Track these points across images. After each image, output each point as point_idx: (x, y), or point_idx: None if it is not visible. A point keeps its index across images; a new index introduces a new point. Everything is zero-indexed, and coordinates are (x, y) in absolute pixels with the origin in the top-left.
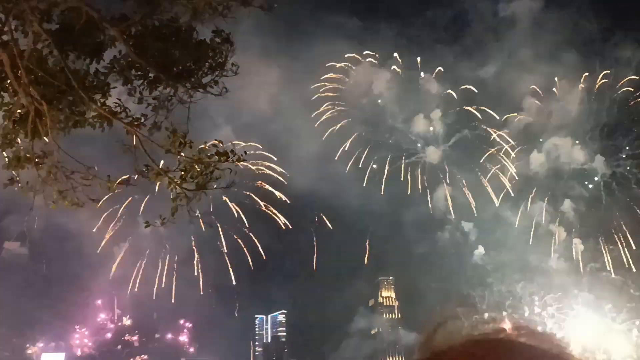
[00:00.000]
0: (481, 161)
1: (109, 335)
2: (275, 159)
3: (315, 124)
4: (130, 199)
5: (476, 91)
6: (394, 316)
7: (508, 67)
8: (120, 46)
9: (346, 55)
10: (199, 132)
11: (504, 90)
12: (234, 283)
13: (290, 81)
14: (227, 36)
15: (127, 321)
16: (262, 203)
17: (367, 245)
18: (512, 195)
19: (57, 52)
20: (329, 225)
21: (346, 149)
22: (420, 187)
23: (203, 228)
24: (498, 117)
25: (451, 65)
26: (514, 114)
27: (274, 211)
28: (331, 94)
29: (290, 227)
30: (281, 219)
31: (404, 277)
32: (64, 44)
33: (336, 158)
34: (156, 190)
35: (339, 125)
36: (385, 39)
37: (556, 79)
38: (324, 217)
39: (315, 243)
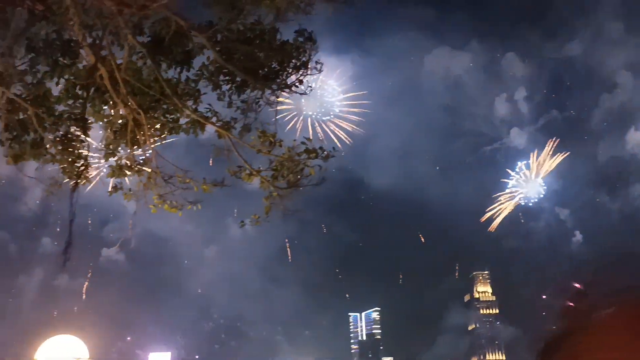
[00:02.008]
0: (572, 143)
1: (206, 335)
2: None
3: (394, 117)
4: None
5: (564, 69)
6: (491, 311)
7: (597, 42)
8: (208, 53)
9: (421, 45)
10: (281, 130)
11: (594, 67)
12: (320, 280)
13: (365, 75)
14: (309, 34)
15: (221, 321)
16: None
17: (456, 238)
18: (609, 177)
19: (150, 63)
20: (415, 219)
21: (425, 140)
22: (508, 173)
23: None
24: (589, 96)
25: (535, 44)
26: (607, 92)
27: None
28: (407, 85)
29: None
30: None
31: (499, 270)
32: (156, 54)
33: (416, 149)
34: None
35: (415, 117)
36: (462, 25)
37: None
38: (407, 212)
39: (400, 239)
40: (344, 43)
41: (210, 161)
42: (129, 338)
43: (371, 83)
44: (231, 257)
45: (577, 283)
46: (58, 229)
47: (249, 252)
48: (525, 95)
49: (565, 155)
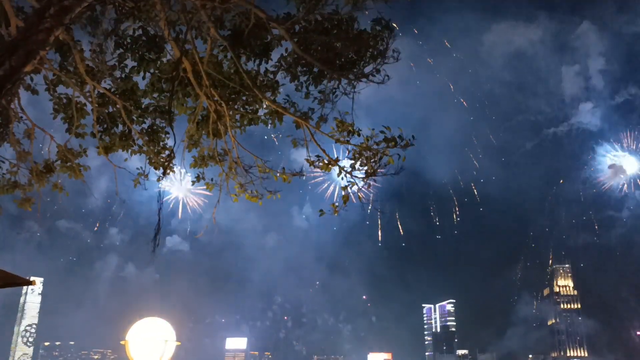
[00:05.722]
0: None
1: (272, 323)
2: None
3: (453, 100)
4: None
5: None
6: (573, 306)
7: None
8: (286, 44)
9: (480, 21)
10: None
11: None
12: (390, 271)
13: (420, 60)
14: (387, 23)
15: (287, 306)
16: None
17: (531, 229)
18: None
19: (231, 55)
20: (485, 211)
21: (487, 121)
22: (579, 156)
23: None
24: None
25: (612, 14)
26: None
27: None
28: (465, 66)
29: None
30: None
31: (579, 263)
32: (236, 47)
33: (480, 132)
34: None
35: (475, 100)
36: None
37: None
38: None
39: (471, 231)
40: (397, 26)
41: (306, 146)
42: (207, 321)
43: (426, 66)
44: (295, 246)
45: None
46: (123, 221)
47: (314, 242)
48: (601, 68)
49: None
